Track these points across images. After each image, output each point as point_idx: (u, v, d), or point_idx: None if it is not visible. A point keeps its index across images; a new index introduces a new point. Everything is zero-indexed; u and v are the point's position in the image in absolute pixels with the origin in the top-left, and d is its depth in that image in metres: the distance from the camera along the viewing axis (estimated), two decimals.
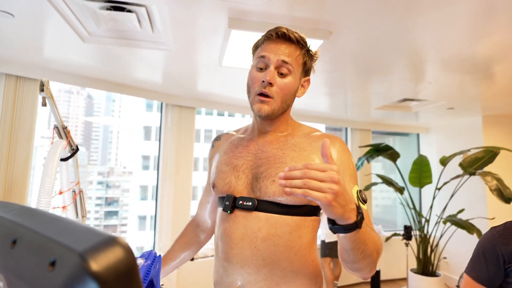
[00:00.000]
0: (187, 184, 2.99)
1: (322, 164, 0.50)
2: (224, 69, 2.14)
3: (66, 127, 0.98)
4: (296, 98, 0.77)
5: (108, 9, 1.44)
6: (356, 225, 0.52)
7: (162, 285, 0.75)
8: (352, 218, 0.51)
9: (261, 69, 0.73)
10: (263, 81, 0.70)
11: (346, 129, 4.08)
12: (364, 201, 0.54)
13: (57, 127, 0.95)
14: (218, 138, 0.89)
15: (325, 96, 2.89)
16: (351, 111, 3.49)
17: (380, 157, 3.26)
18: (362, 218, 0.53)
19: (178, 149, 2.96)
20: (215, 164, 0.81)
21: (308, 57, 0.75)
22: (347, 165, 0.71)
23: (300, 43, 0.73)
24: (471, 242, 3.00)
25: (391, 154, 3.16)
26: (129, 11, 1.46)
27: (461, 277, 3.15)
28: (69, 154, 1.09)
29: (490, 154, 2.87)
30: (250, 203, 0.68)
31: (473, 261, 0.98)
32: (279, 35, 0.71)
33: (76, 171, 1.18)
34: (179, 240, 0.93)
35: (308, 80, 0.80)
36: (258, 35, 0.77)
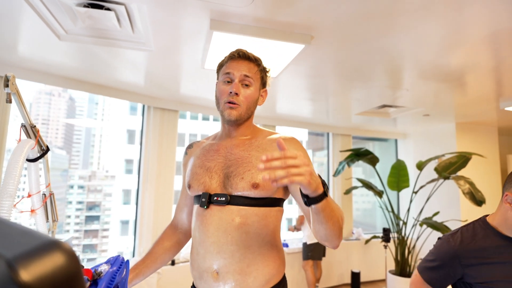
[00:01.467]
0: (169, 188, 2.93)
1: (292, 151, 0.57)
2: (207, 71, 2.13)
3: (35, 126, 0.94)
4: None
5: (85, 6, 1.40)
6: (325, 194, 0.63)
7: None
8: (320, 189, 0.62)
9: (227, 82, 0.87)
10: (231, 92, 0.84)
11: (328, 134, 4.15)
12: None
13: (24, 126, 0.91)
14: (190, 146, 1.01)
15: (307, 101, 2.93)
16: (332, 117, 3.55)
17: (360, 162, 3.33)
18: (328, 188, 0.64)
19: (160, 152, 2.91)
20: (190, 168, 0.90)
21: (264, 73, 0.92)
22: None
23: (257, 61, 0.89)
24: None
25: (371, 159, 3.24)
26: (108, 9, 1.42)
27: None
28: (38, 155, 1.04)
29: (463, 159, 3.01)
30: (224, 198, 0.79)
31: (427, 263, 0.99)
32: (240, 55, 0.87)
33: (47, 173, 1.13)
34: (159, 242, 0.97)
35: (266, 91, 0.94)
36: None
